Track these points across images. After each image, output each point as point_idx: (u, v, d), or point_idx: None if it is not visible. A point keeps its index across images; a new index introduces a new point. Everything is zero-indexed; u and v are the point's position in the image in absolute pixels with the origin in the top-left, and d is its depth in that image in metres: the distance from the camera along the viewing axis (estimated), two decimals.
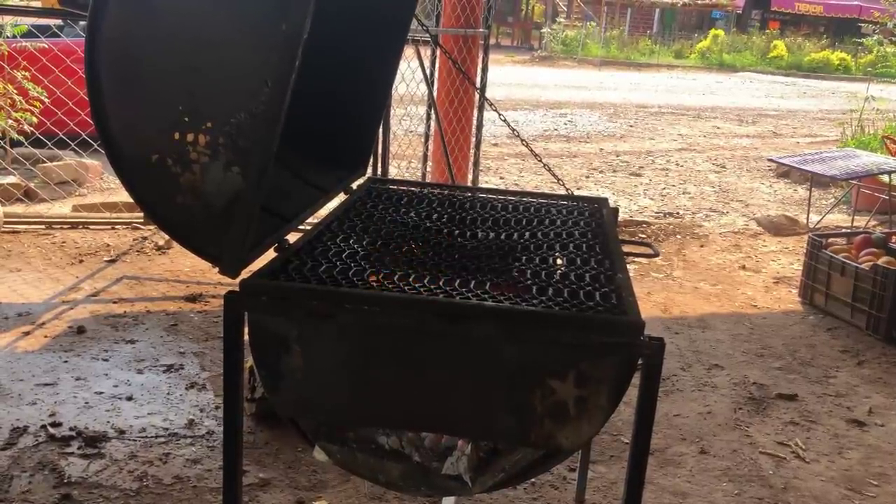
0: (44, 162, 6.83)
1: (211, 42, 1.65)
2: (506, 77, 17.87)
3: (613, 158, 10.51)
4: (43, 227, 5.73)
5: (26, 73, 6.39)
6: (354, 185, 2.79)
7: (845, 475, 3.34)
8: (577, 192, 3.30)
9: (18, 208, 6.16)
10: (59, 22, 7.11)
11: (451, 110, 6.39)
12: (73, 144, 6.18)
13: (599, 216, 2.59)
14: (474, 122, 6.65)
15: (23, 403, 3.41)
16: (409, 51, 4.51)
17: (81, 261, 5.17)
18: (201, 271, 5.02)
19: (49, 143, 6.27)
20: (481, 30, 6.52)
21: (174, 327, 4.26)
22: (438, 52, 5.77)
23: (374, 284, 1.92)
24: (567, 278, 2.01)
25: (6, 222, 5.63)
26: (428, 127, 6.33)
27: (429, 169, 6.56)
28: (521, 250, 2.23)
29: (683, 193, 8.70)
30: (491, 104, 3.72)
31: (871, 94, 10.03)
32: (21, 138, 6.30)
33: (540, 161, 3.30)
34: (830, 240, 5.46)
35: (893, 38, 12.99)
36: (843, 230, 6.53)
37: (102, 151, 1.75)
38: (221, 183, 1.68)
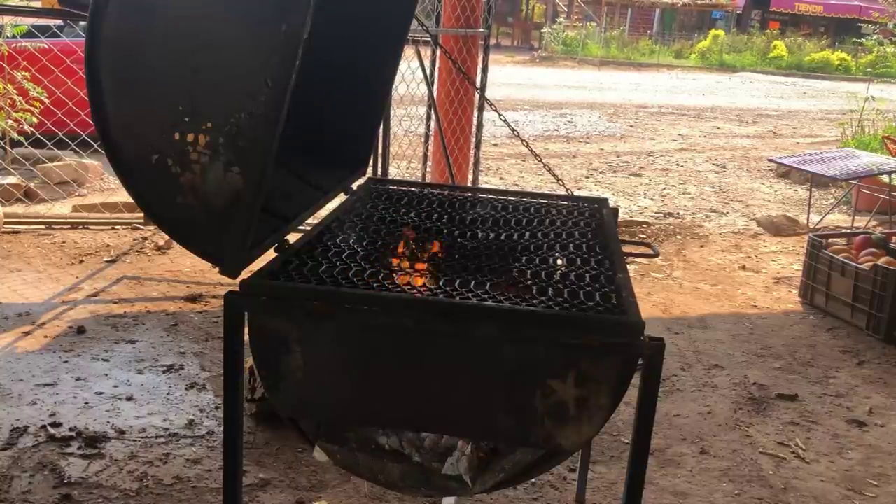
0: (44, 162, 6.83)
1: (211, 42, 1.65)
2: (506, 77, 17.87)
3: (613, 159, 10.51)
4: (43, 227, 5.72)
5: (26, 74, 6.39)
6: (354, 186, 2.79)
7: (845, 475, 3.34)
8: (577, 193, 3.30)
9: (18, 208, 6.16)
10: (59, 22, 7.11)
11: (451, 110, 6.38)
12: (73, 144, 6.19)
13: (599, 216, 2.59)
14: (474, 122, 6.65)
15: (23, 403, 3.41)
16: (409, 51, 4.51)
17: (81, 261, 5.17)
18: (201, 271, 5.02)
19: (49, 144, 6.27)
20: (481, 30, 6.52)
21: (174, 327, 4.26)
22: (438, 52, 5.77)
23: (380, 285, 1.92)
24: (567, 278, 2.01)
25: (6, 222, 5.63)
26: (428, 127, 6.33)
27: (429, 169, 6.56)
28: (521, 250, 2.23)
29: (683, 194, 8.70)
30: (491, 104, 3.72)
31: (871, 95, 10.02)
32: (21, 138, 6.30)
33: (540, 161, 3.30)
34: (830, 240, 5.46)
35: (893, 39, 12.98)
36: (844, 230, 6.53)
37: (102, 151, 1.75)
38: (221, 183, 1.68)
